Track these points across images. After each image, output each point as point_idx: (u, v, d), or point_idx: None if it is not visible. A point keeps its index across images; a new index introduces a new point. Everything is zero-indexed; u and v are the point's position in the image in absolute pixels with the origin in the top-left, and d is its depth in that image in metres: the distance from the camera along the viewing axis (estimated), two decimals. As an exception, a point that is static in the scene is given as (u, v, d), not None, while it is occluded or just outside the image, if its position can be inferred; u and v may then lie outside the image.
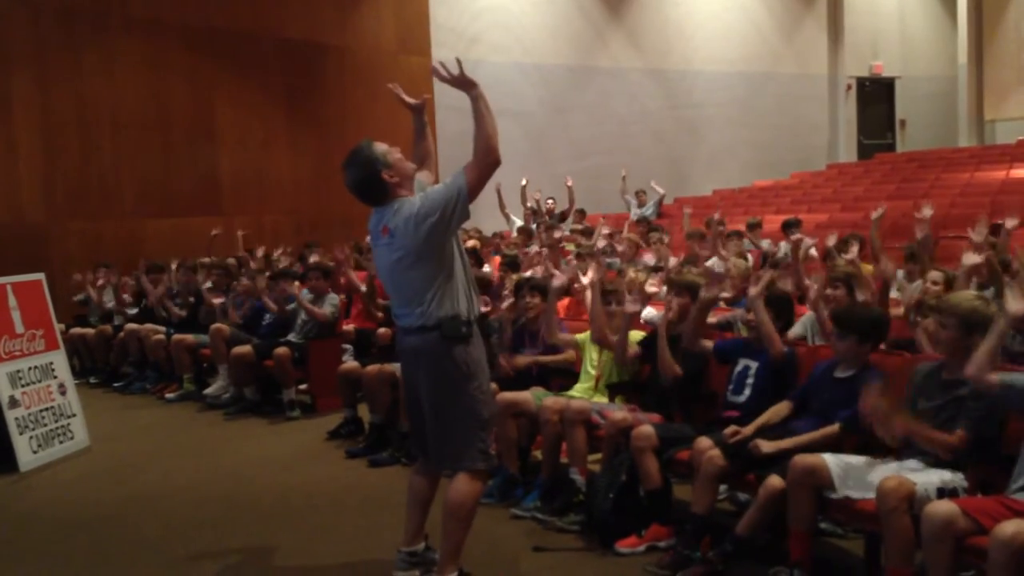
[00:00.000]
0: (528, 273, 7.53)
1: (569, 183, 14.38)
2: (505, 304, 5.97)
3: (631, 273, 6.60)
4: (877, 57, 21.23)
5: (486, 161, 3.63)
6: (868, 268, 7.35)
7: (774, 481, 3.83)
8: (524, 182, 14.56)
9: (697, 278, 5.31)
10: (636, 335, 5.22)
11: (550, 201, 15.44)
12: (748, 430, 4.13)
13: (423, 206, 3.67)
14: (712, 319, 5.80)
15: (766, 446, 3.99)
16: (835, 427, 4.01)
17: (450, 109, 15.51)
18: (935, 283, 5.62)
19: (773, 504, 3.85)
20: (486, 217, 13.07)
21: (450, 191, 3.64)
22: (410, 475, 4.16)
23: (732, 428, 4.12)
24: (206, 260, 10.21)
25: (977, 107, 19.98)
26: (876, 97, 21.50)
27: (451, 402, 3.80)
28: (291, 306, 7.96)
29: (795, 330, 5.36)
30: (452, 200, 3.63)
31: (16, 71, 11.24)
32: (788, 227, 9.84)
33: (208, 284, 9.03)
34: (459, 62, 3.77)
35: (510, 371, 5.58)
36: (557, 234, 9.89)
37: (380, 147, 3.81)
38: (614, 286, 5.44)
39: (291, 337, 7.87)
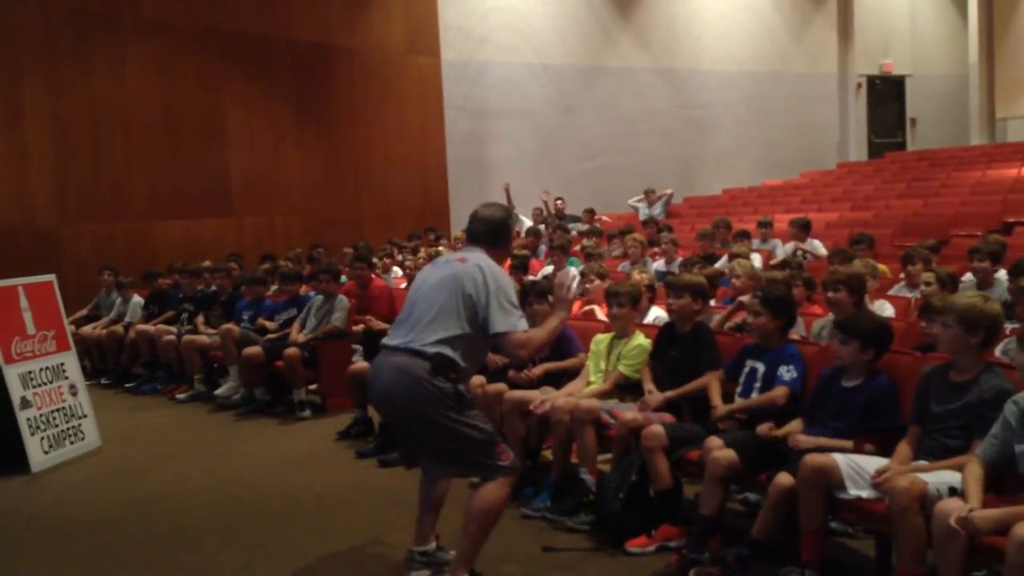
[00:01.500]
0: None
1: (544, 197, 14.49)
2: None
3: (635, 275, 6.57)
4: (887, 55, 21.15)
5: (526, 352, 3.87)
6: (883, 268, 7.33)
7: (783, 479, 3.82)
8: (544, 195, 14.61)
9: (698, 278, 5.28)
10: (645, 342, 5.20)
11: (559, 201, 15.45)
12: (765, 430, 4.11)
13: (498, 286, 3.76)
14: (728, 323, 5.78)
15: (805, 441, 4.00)
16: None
17: (460, 109, 15.65)
18: (928, 284, 5.62)
19: (785, 501, 3.83)
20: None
21: (512, 316, 3.75)
22: (421, 475, 4.16)
23: (767, 425, 4.12)
24: (207, 264, 10.26)
25: (988, 105, 19.87)
26: (886, 96, 21.42)
27: (440, 428, 3.72)
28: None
29: (814, 330, 5.35)
30: (504, 320, 3.73)
31: (27, 75, 11.30)
32: (802, 227, 9.81)
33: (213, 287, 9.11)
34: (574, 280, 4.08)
35: (524, 380, 5.56)
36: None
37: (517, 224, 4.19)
38: (619, 288, 5.41)
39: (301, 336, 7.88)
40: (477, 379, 5.50)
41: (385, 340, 3.92)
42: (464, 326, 3.73)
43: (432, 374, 3.67)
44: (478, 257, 3.88)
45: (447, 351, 3.69)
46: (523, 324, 3.78)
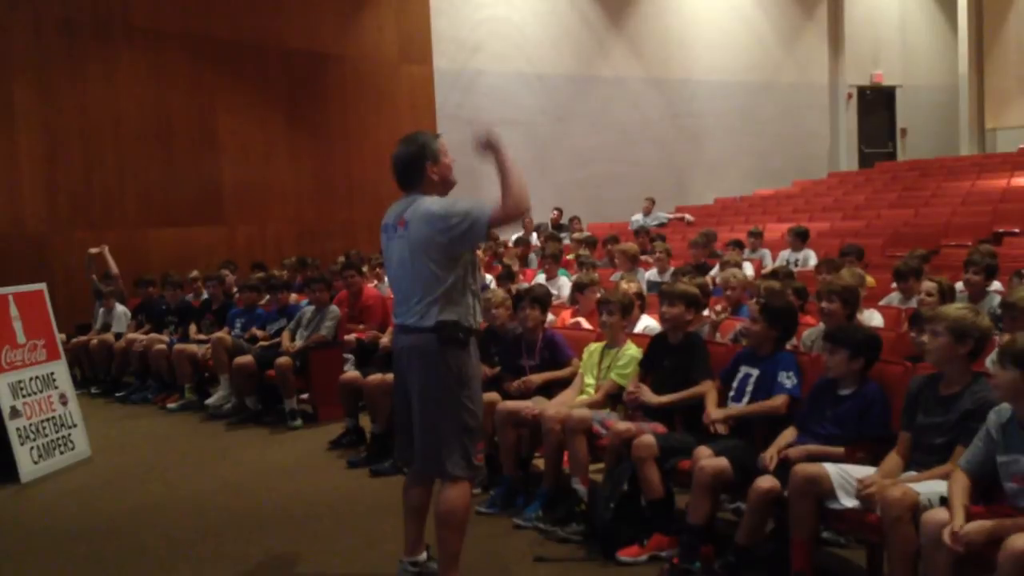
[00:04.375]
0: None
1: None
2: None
3: (623, 284, 6.56)
4: (878, 66, 21.26)
5: (516, 210, 3.73)
6: (871, 281, 7.35)
7: (762, 483, 3.84)
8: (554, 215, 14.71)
9: (691, 287, 5.29)
10: (636, 352, 5.20)
11: (555, 212, 15.53)
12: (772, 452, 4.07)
13: (444, 208, 3.73)
14: (724, 337, 5.75)
15: (796, 453, 4.00)
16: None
17: (453, 118, 15.64)
18: (929, 295, 5.57)
19: (765, 506, 3.85)
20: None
21: (474, 209, 3.68)
22: (404, 483, 4.15)
23: (770, 456, 4.03)
24: (195, 274, 10.24)
25: (978, 116, 20.00)
26: (877, 106, 21.52)
27: (439, 406, 3.79)
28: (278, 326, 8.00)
29: (804, 341, 5.33)
30: (472, 218, 3.67)
31: (18, 82, 11.26)
32: (797, 235, 9.87)
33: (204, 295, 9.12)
34: (487, 134, 3.80)
35: (522, 389, 5.53)
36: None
37: (439, 143, 3.92)
38: (609, 297, 5.41)
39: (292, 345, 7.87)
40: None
41: (395, 317, 3.98)
42: (444, 276, 3.75)
43: (442, 346, 3.74)
44: (416, 210, 3.79)
45: (446, 315, 3.74)
46: (488, 205, 3.68)
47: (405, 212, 3.85)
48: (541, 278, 9.12)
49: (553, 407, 5.11)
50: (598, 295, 6.74)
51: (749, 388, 4.55)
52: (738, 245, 9.60)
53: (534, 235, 13.95)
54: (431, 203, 3.79)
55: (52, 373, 6.80)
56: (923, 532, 3.21)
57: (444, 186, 3.93)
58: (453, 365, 3.77)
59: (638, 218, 15.08)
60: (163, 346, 8.96)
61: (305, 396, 7.92)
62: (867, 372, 4.15)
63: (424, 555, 4.09)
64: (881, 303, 6.62)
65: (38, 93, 11.41)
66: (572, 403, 5.22)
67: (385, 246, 4.03)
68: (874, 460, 3.87)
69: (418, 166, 3.87)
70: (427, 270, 3.76)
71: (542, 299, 5.83)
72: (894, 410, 3.99)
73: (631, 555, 4.36)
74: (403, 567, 4.07)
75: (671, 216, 15.34)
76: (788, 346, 5.06)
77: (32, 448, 6.41)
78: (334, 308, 7.89)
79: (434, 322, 3.75)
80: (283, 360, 7.60)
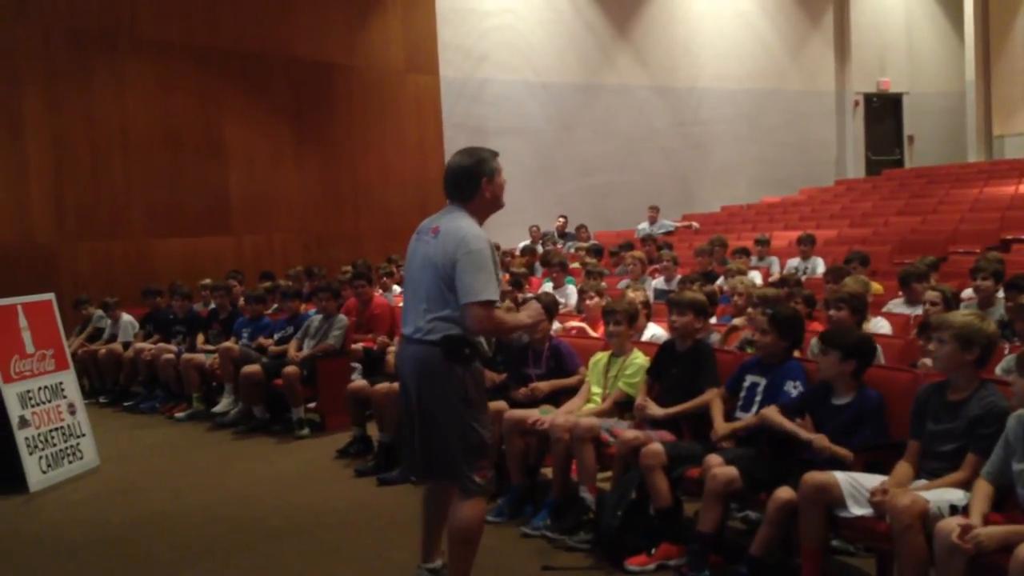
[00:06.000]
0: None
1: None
2: None
3: (629, 293, 6.54)
4: (884, 73, 21.24)
5: (481, 323, 3.67)
6: (876, 286, 7.32)
7: (782, 493, 3.81)
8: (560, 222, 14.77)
9: (699, 295, 5.27)
10: (644, 361, 5.19)
11: (561, 219, 15.55)
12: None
13: (458, 255, 3.66)
14: (731, 345, 5.74)
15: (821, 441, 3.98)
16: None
17: (459, 127, 15.70)
18: (934, 303, 5.55)
19: (784, 517, 3.82)
20: (499, 229, 13.02)
21: (464, 290, 3.63)
22: (424, 490, 4.13)
23: (820, 437, 4.00)
24: (207, 282, 10.26)
25: (985, 122, 19.92)
26: (884, 113, 21.49)
27: (442, 420, 3.75)
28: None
29: (813, 348, 5.29)
30: (460, 292, 3.64)
31: (27, 92, 11.33)
32: (802, 243, 9.86)
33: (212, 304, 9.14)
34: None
35: (529, 397, 5.52)
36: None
37: (497, 161, 3.89)
38: (615, 306, 5.40)
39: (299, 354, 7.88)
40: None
41: (403, 328, 3.95)
42: (453, 304, 3.71)
43: (447, 359, 3.70)
44: (451, 223, 3.78)
45: (453, 331, 3.71)
46: (488, 293, 3.64)
47: (442, 220, 3.83)
48: (548, 286, 9.11)
49: (561, 415, 5.10)
50: (591, 302, 6.76)
51: (758, 397, 4.53)
52: (744, 253, 9.59)
53: (539, 245, 13.97)
54: (467, 227, 3.74)
55: (61, 383, 6.82)
56: (937, 541, 3.19)
57: (493, 205, 3.90)
58: (457, 381, 3.73)
59: (644, 226, 15.09)
60: (171, 356, 8.98)
61: (312, 405, 7.92)
62: (861, 376, 4.13)
63: (440, 562, 4.07)
64: (884, 310, 6.59)
65: (46, 104, 11.47)
66: (578, 411, 5.21)
67: (412, 248, 3.95)
68: (884, 469, 3.85)
69: (474, 180, 3.81)
70: (437, 287, 3.73)
71: (548, 308, 5.79)
72: (900, 417, 3.98)
73: (639, 564, 4.34)
74: (419, 573, 4.06)
75: (677, 224, 15.35)
76: (795, 352, 5.05)
77: (41, 457, 6.43)
78: (342, 317, 7.89)
79: (440, 336, 3.72)
80: (290, 369, 7.60)
